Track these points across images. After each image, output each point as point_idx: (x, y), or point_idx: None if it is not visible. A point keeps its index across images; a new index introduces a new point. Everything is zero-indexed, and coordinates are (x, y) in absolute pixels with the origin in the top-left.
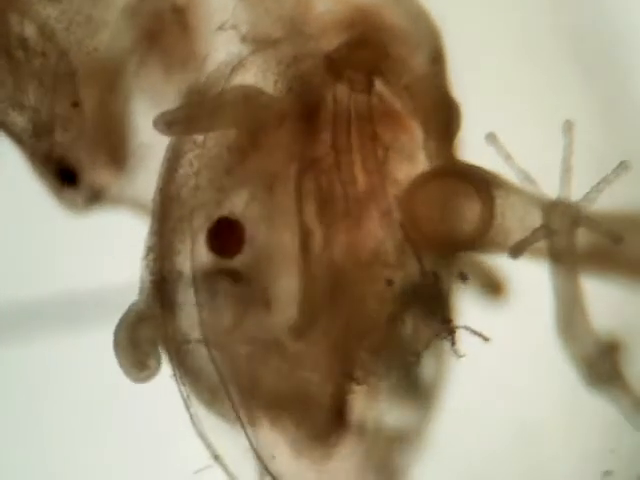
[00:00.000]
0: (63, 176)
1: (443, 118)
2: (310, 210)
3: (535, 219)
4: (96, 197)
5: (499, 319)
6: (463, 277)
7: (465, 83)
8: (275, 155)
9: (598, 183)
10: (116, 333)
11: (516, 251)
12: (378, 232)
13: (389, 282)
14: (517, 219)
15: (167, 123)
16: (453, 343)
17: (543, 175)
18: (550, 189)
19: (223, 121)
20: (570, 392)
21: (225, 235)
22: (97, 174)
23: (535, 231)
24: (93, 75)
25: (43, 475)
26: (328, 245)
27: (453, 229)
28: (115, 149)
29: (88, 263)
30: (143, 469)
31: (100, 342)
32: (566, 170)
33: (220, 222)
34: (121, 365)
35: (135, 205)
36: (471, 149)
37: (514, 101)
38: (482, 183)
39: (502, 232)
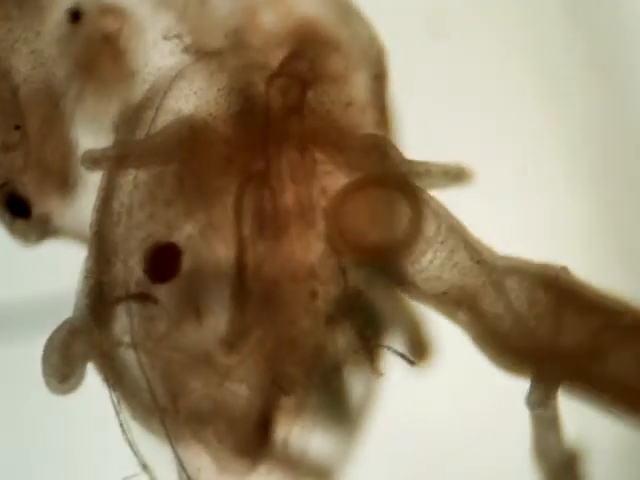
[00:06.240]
0: (13, 207)
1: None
2: (247, 224)
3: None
4: (48, 228)
5: None
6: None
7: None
8: (216, 172)
9: None
10: (46, 346)
11: None
12: (306, 244)
13: (313, 294)
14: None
15: (94, 161)
16: (373, 361)
17: None
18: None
19: (165, 157)
20: None
21: (161, 263)
22: (46, 202)
23: None
24: (35, 96)
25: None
26: (261, 258)
27: (381, 237)
28: (61, 174)
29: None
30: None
31: None
32: None
33: (156, 250)
34: (44, 375)
35: (82, 234)
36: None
37: None
38: (408, 187)
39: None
